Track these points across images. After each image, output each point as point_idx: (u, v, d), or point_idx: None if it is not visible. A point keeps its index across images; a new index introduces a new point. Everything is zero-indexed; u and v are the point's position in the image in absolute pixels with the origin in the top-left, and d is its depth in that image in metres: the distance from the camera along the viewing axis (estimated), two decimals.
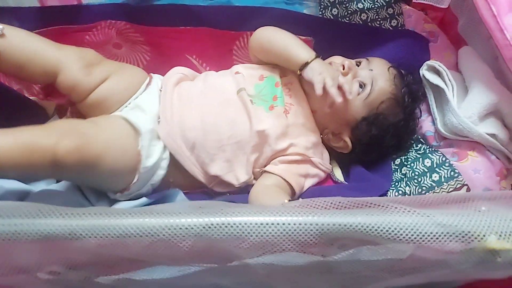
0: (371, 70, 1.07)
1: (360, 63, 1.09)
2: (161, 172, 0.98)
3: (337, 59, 1.08)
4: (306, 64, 1.01)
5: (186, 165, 0.99)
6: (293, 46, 1.05)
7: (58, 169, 0.80)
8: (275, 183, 0.99)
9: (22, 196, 0.89)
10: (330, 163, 1.12)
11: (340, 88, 0.98)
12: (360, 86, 1.05)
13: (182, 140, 0.99)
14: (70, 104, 1.05)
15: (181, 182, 1.00)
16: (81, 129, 0.87)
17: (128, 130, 0.95)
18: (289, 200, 0.89)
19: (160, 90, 1.05)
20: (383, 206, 0.67)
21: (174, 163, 1.00)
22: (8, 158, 0.76)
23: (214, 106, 1.01)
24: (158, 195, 0.96)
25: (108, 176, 0.90)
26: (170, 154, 0.99)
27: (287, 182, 1.00)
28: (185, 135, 0.99)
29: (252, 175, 1.02)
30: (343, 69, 1.04)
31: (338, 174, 1.09)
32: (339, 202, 0.69)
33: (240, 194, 1.02)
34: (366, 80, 1.05)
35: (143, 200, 0.93)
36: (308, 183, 1.04)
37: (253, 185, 1.01)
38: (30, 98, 1.11)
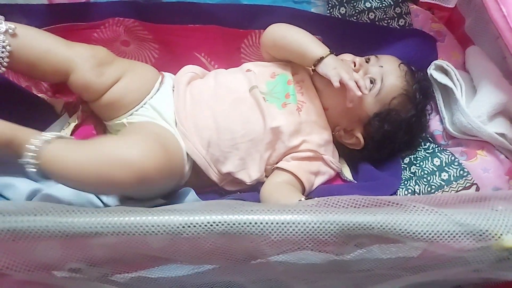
0: (381, 66, 1.07)
1: (369, 60, 1.09)
2: (188, 172, 1.00)
3: (347, 57, 1.09)
4: (321, 59, 1.01)
5: (201, 163, 0.99)
6: (307, 42, 1.05)
7: (142, 184, 0.78)
8: (287, 180, 1.00)
9: (33, 194, 0.89)
10: (339, 162, 1.13)
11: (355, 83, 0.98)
12: (371, 82, 1.05)
13: (198, 140, 0.99)
14: (81, 101, 1.05)
15: (193, 181, 1.01)
16: (155, 139, 0.86)
17: (172, 136, 0.97)
18: (306, 198, 0.89)
19: (173, 90, 1.05)
20: (401, 205, 0.68)
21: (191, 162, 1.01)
22: (86, 173, 0.76)
23: (227, 105, 1.01)
24: (170, 195, 0.96)
25: (171, 185, 0.92)
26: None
27: (298, 179, 1.00)
28: (199, 135, 0.99)
29: (264, 172, 1.02)
30: (354, 66, 1.04)
31: (347, 173, 1.10)
32: (357, 201, 0.69)
33: (250, 192, 1.02)
34: (376, 76, 1.05)
35: (158, 201, 0.93)
36: (318, 181, 1.04)
37: (263, 182, 1.01)
38: (39, 95, 1.10)
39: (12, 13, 1.08)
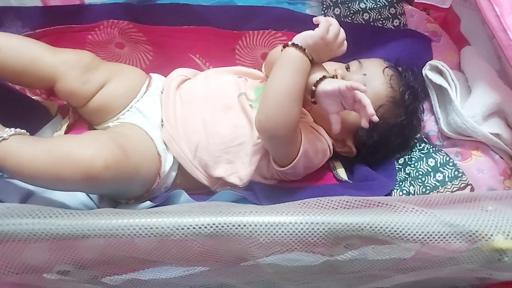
0: (365, 74, 1.05)
1: (349, 67, 1.07)
2: (173, 174, 0.99)
3: (329, 66, 1.02)
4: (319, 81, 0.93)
5: (188, 168, 0.99)
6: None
7: (90, 183, 0.78)
8: None
9: (26, 196, 0.89)
10: (333, 163, 1.12)
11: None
12: None
13: (185, 143, 0.99)
14: (71, 105, 1.05)
15: (186, 184, 1.00)
16: (116, 140, 0.86)
17: (147, 138, 0.97)
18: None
19: (162, 92, 1.05)
20: (391, 206, 0.67)
21: (180, 165, 1.01)
22: (39, 167, 0.76)
23: (217, 109, 1.01)
24: (161, 197, 0.96)
25: (139, 185, 0.91)
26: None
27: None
28: (188, 138, 0.99)
29: (256, 174, 1.01)
30: (336, 78, 1.02)
31: (342, 173, 1.09)
32: (347, 202, 0.69)
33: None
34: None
35: (147, 203, 0.93)
36: (318, 160, 1.02)
37: (258, 182, 1.00)
38: (33, 98, 1.10)
39: (6, 16, 1.09)
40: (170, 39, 1.21)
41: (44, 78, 0.96)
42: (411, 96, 1.07)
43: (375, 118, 0.86)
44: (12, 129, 0.81)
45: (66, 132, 1.01)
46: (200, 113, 1.01)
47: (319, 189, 1.01)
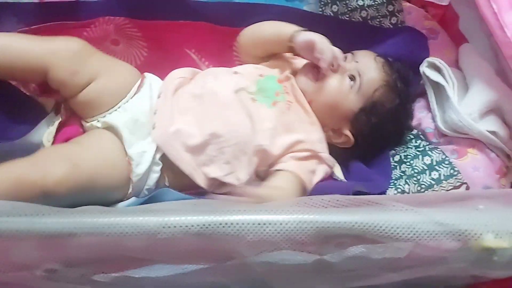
0: (357, 62, 1.08)
1: (345, 58, 1.09)
2: (154, 176, 0.98)
3: None
4: (295, 32, 1.04)
5: (185, 170, 0.97)
6: (282, 25, 1.09)
7: (51, 199, 0.78)
8: (290, 180, 0.98)
9: None
10: None
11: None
12: (351, 78, 1.05)
13: (181, 146, 0.98)
14: (64, 100, 1.04)
15: (176, 184, 0.99)
16: (65, 154, 0.87)
17: (113, 141, 0.96)
18: None
19: (159, 97, 1.04)
20: (381, 204, 0.67)
21: (168, 166, 0.99)
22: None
23: (212, 111, 1.00)
24: (147, 195, 0.96)
25: (103, 193, 0.90)
26: (165, 158, 0.98)
27: (300, 179, 0.98)
28: (184, 142, 0.98)
29: (254, 174, 1.01)
30: (333, 66, 1.04)
31: (338, 172, 1.09)
32: (337, 200, 0.69)
33: None
34: (354, 72, 1.05)
35: (133, 199, 0.93)
36: (315, 179, 1.02)
37: (253, 182, 1.00)
38: (28, 94, 1.10)
39: (2, 12, 1.08)
40: (165, 34, 1.20)
41: (34, 70, 0.96)
42: (402, 82, 1.09)
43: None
44: None
45: (58, 130, 1.00)
46: (196, 116, 1.00)
47: (314, 187, 1.01)
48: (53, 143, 0.99)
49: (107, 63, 1.03)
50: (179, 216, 0.61)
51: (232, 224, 0.62)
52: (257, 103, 1.01)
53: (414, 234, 0.64)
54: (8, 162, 0.80)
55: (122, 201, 0.93)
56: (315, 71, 1.06)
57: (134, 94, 1.02)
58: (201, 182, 0.98)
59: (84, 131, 1.03)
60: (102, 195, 0.90)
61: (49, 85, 0.99)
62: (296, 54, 1.09)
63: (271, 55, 1.14)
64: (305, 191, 0.98)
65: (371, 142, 1.09)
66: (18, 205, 0.62)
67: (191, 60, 1.22)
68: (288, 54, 1.14)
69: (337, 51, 1.04)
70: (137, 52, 1.22)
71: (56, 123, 1.00)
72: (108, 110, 1.00)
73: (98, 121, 1.00)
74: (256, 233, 0.62)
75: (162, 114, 1.01)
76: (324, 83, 1.05)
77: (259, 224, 0.62)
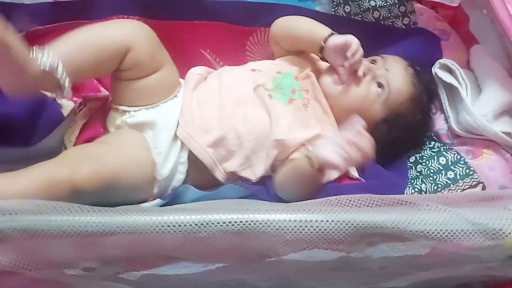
0: (387, 70, 1.06)
1: (375, 61, 1.08)
2: (180, 177, 0.98)
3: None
4: (329, 36, 1.04)
5: (208, 163, 0.98)
6: (317, 25, 1.08)
7: (80, 196, 0.79)
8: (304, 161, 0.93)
9: None
10: None
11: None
12: (379, 86, 1.05)
13: (203, 140, 0.98)
14: (87, 101, 1.04)
15: (198, 182, 1.00)
16: (91, 152, 0.87)
17: (140, 140, 0.96)
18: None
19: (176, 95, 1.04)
20: (414, 204, 0.68)
21: (192, 164, 0.99)
22: (30, 197, 0.73)
23: (231, 105, 1.00)
24: (168, 196, 0.96)
25: (129, 191, 0.90)
26: (189, 157, 0.99)
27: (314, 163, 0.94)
28: (205, 136, 0.98)
29: (270, 169, 1.01)
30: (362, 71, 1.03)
31: (353, 171, 1.09)
32: (369, 200, 0.70)
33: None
34: (384, 82, 1.05)
35: (158, 201, 0.93)
36: (330, 175, 1.00)
37: (271, 178, 1.00)
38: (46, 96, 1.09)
39: (15, 11, 1.07)
40: (180, 34, 1.20)
41: (117, 54, 0.93)
42: (428, 97, 1.09)
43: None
44: None
45: (80, 132, 1.00)
46: (216, 110, 1.00)
47: (332, 187, 1.01)
48: (75, 144, 0.98)
49: (168, 58, 1.03)
50: (219, 214, 0.62)
51: (271, 223, 0.62)
52: (274, 100, 1.01)
53: (449, 233, 0.65)
54: (36, 164, 0.80)
55: (146, 201, 0.93)
56: (344, 72, 1.05)
57: (173, 97, 1.02)
58: (220, 176, 1.00)
59: (104, 131, 1.02)
60: (129, 193, 0.90)
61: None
62: (323, 57, 1.08)
63: (299, 51, 1.13)
64: (317, 180, 0.95)
65: (386, 150, 1.08)
66: (60, 204, 0.61)
67: (205, 60, 1.23)
68: (313, 55, 1.14)
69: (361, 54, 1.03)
70: None
71: (80, 123, 1.00)
72: (148, 105, 0.99)
73: (132, 115, 0.99)
74: (295, 231, 0.63)
75: (184, 110, 1.01)
76: (350, 87, 1.04)
77: (298, 223, 0.63)
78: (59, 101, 1.04)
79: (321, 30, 1.06)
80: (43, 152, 0.94)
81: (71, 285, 0.75)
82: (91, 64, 0.92)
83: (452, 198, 0.72)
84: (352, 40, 1.01)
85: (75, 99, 1.06)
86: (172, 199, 0.92)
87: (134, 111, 0.99)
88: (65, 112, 1.04)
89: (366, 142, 0.85)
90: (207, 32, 1.20)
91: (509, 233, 0.64)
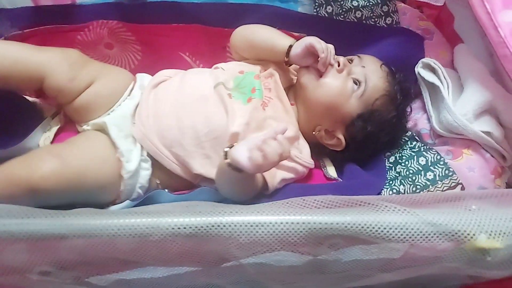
0: (364, 67, 1.06)
1: (352, 60, 1.08)
2: (145, 173, 0.98)
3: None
4: (290, 47, 1.03)
5: (166, 164, 0.99)
6: (276, 36, 1.08)
7: (41, 196, 0.80)
8: None
9: None
10: (323, 160, 1.11)
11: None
12: (355, 83, 1.04)
13: (159, 140, 0.98)
14: (60, 107, 1.04)
15: (168, 182, 1.00)
16: (54, 152, 0.87)
17: (104, 139, 0.97)
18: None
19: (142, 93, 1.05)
20: (373, 205, 0.67)
21: (156, 164, 1.00)
22: None
23: (190, 103, 1.00)
24: (139, 198, 0.96)
25: (94, 190, 0.91)
26: (151, 156, 0.99)
27: None
28: (162, 135, 0.98)
29: None
30: (338, 65, 1.03)
31: (332, 171, 1.08)
32: (330, 201, 0.69)
33: None
34: (361, 78, 1.04)
35: (127, 203, 0.93)
36: (281, 174, 0.99)
37: None
38: (30, 99, 1.09)
39: None
40: (159, 38, 1.20)
41: (31, 78, 0.95)
42: (402, 95, 1.08)
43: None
44: None
45: (56, 134, 1.01)
46: (173, 109, 1.00)
47: (307, 188, 1.00)
48: None
49: (102, 69, 1.04)
50: (170, 218, 0.61)
51: (224, 225, 0.62)
52: (233, 99, 1.01)
53: (407, 235, 0.64)
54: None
55: (114, 202, 0.93)
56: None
57: (127, 97, 1.03)
58: (185, 175, 1.00)
59: None
60: (93, 194, 0.90)
61: (45, 92, 0.99)
62: (289, 65, 1.08)
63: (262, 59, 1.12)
64: (265, 182, 0.96)
65: (361, 148, 1.08)
66: (9, 207, 0.61)
67: (185, 63, 1.23)
68: None
69: (332, 48, 1.03)
70: (131, 55, 1.23)
71: (54, 128, 1.01)
72: (102, 115, 1.00)
73: (88, 124, 1.00)
74: (248, 234, 0.62)
75: (141, 109, 1.02)
76: (326, 82, 1.03)
77: (251, 225, 0.62)
78: (39, 105, 1.05)
79: (280, 43, 1.05)
80: (22, 153, 0.95)
81: None
82: (4, 74, 0.93)
83: (416, 198, 0.71)
84: (311, 41, 1.01)
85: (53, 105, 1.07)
86: (144, 203, 0.92)
87: (93, 123, 1.00)
88: (45, 115, 1.04)
89: (275, 149, 0.83)
90: (185, 35, 1.20)
91: (468, 234, 0.63)
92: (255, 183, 0.88)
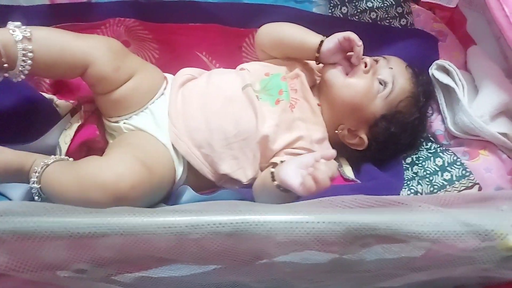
0: (391, 68, 1.07)
1: (377, 61, 1.09)
2: (184, 175, 1.00)
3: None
4: (321, 43, 1.04)
5: (196, 164, 0.99)
6: (305, 33, 1.08)
7: (120, 203, 0.77)
8: None
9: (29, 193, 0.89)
10: (339, 161, 1.12)
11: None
12: (380, 83, 1.05)
13: (190, 140, 0.99)
14: (83, 102, 1.04)
15: (193, 182, 1.00)
16: (138, 157, 0.86)
17: (161, 146, 0.98)
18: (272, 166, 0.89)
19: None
20: (407, 205, 0.68)
21: (188, 165, 1.01)
22: (68, 192, 0.79)
23: (218, 104, 1.01)
24: (172, 198, 0.96)
25: (158, 196, 0.93)
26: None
27: None
28: (191, 136, 0.99)
29: (260, 171, 1.01)
30: (365, 66, 1.04)
31: (349, 172, 1.09)
32: (362, 201, 0.69)
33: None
34: (388, 79, 1.05)
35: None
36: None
37: None
38: (46, 96, 1.09)
39: (13, 14, 1.08)
40: (176, 37, 1.20)
41: (76, 66, 0.95)
42: (425, 97, 1.09)
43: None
44: (53, 156, 0.89)
45: (76, 132, 1.01)
46: (202, 109, 1.00)
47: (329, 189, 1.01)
48: (70, 144, 0.99)
49: (141, 63, 1.04)
50: (210, 216, 0.62)
51: (262, 224, 0.62)
52: (261, 102, 1.01)
53: (441, 234, 0.65)
54: (81, 161, 0.85)
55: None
56: (347, 65, 1.06)
57: (160, 96, 1.03)
58: (211, 176, 1.01)
59: (100, 133, 1.03)
60: (157, 197, 0.92)
61: (84, 80, 0.99)
62: (319, 62, 1.08)
63: (288, 57, 1.13)
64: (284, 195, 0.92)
65: (383, 149, 1.09)
66: (50, 206, 0.61)
67: (202, 62, 1.23)
68: None
69: (353, 36, 1.03)
70: (149, 54, 1.23)
71: (75, 125, 1.00)
72: (135, 111, 1.00)
73: (125, 122, 1.00)
74: (286, 233, 0.63)
75: (170, 108, 1.02)
76: (353, 81, 1.04)
77: (289, 224, 0.63)
78: (56, 102, 1.05)
79: (310, 39, 1.06)
80: (40, 150, 0.96)
81: (64, 287, 0.75)
82: (50, 62, 0.93)
83: (445, 199, 0.72)
84: (346, 33, 1.02)
85: (71, 101, 1.06)
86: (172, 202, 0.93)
87: (126, 119, 1.01)
88: (62, 113, 1.04)
89: (326, 174, 0.79)
90: (202, 35, 1.21)
91: (501, 234, 0.64)
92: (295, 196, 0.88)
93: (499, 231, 0.65)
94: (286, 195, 0.81)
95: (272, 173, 0.83)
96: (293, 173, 0.80)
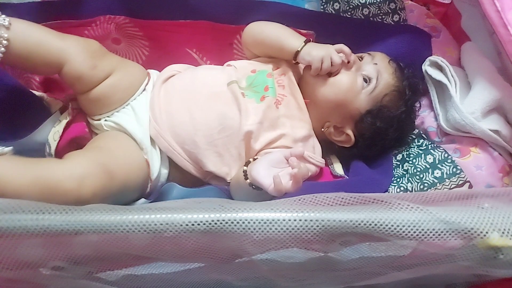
0: (376, 64, 1.07)
1: (362, 58, 1.09)
2: (165, 172, 0.99)
3: None
4: (298, 52, 1.04)
5: (178, 161, 0.99)
6: (285, 36, 1.08)
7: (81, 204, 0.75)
8: None
9: None
10: (330, 158, 1.12)
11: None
12: (365, 80, 1.05)
13: (171, 136, 0.99)
14: (71, 99, 1.04)
15: (180, 179, 1.00)
16: (101, 164, 0.85)
17: (133, 144, 0.98)
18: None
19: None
20: (386, 202, 0.67)
21: (172, 161, 1.00)
22: (25, 195, 0.72)
23: (202, 100, 1.01)
24: (155, 194, 0.96)
25: (130, 194, 0.92)
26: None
27: None
28: (174, 131, 0.99)
29: None
30: (348, 62, 1.04)
31: (338, 168, 1.09)
32: (342, 198, 0.69)
33: None
34: (372, 74, 1.05)
35: (141, 200, 0.94)
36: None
37: None
38: (37, 94, 1.09)
39: (3, 11, 1.08)
40: (166, 34, 1.20)
41: (51, 62, 0.95)
42: (411, 91, 1.09)
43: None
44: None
45: (65, 128, 1.00)
46: (186, 105, 1.00)
47: (314, 186, 1.00)
48: (59, 141, 0.99)
49: (120, 62, 1.04)
50: (185, 214, 0.61)
51: (238, 222, 0.62)
52: (246, 98, 1.01)
53: (420, 232, 0.64)
54: (36, 160, 0.80)
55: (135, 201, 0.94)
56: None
57: (142, 92, 1.03)
58: (196, 172, 1.00)
59: (89, 130, 1.03)
60: (126, 198, 0.91)
61: (62, 79, 0.99)
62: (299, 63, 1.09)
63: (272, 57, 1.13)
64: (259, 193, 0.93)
65: (370, 145, 1.09)
66: (24, 203, 0.61)
67: (192, 59, 1.23)
68: None
69: (346, 49, 1.04)
70: (139, 51, 1.23)
71: (64, 122, 1.00)
72: (116, 108, 1.00)
73: (106, 120, 1.00)
74: (262, 231, 0.62)
75: (153, 104, 1.01)
76: (336, 78, 1.04)
77: (265, 222, 0.62)
78: (46, 100, 1.05)
79: (288, 45, 1.06)
80: (29, 147, 0.95)
81: (47, 285, 0.75)
82: (24, 54, 0.92)
83: (428, 196, 0.71)
84: (338, 48, 1.04)
85: (60, 99, 1.06)
86: (158, 199, 0.93)
87: (108, 116, 1.01)
88: (52, 110, 1.04)
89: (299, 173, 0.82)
90: (193, 31, 1.20)
91: (481, 232, 0.63)
92: (268, 195, 0.88)
93: (479, 229, 0.64)
94: (260, 192, 0.81)
95: (244, 171, 0.83)
96: (264, 172, 0.81)
